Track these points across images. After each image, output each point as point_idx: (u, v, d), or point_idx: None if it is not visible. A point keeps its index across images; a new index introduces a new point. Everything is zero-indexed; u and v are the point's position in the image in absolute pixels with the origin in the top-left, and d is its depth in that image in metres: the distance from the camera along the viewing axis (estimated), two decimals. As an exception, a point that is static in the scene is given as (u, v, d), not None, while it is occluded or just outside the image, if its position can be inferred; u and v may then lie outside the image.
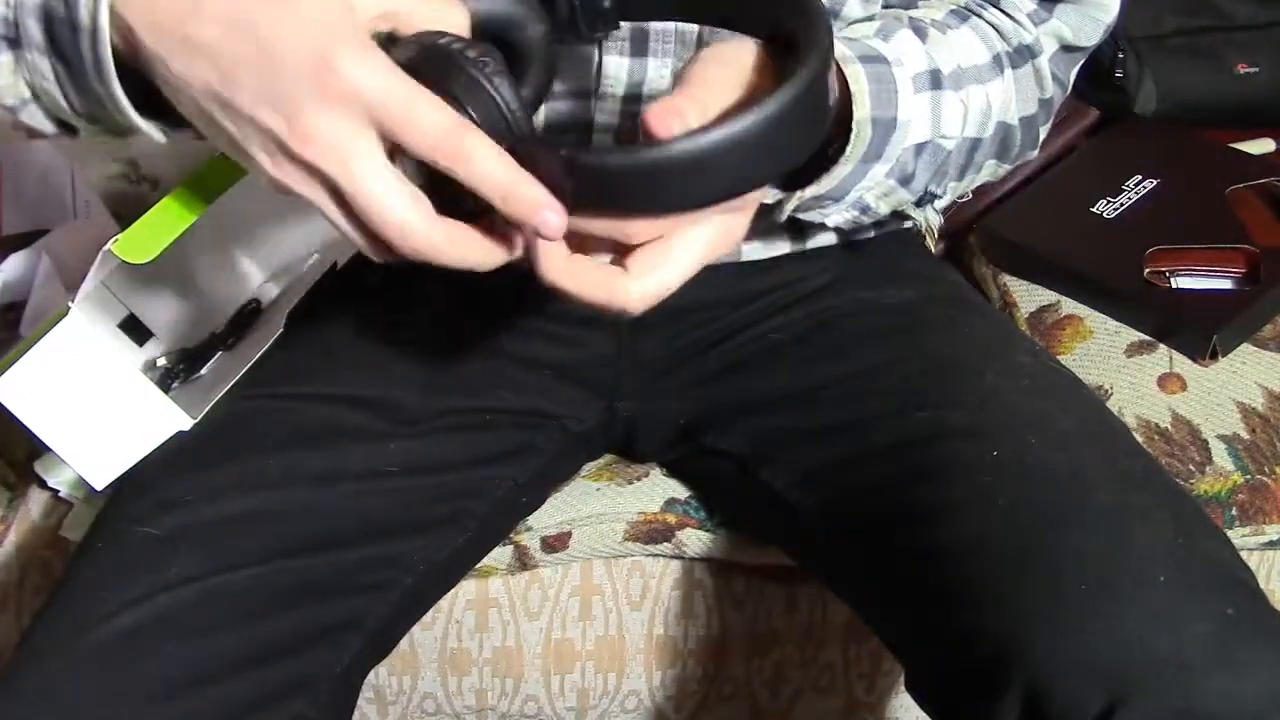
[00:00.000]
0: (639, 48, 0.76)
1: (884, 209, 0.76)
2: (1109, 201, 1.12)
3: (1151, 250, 1.06)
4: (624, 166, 0.57)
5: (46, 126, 0.67)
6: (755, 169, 0.59)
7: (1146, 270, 1.05)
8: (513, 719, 1.02)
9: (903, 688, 1.03)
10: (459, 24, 0.61)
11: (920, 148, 0.74)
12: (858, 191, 0.73)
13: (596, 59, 0.78)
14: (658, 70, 0.78)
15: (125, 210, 1.14)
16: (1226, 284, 1.06)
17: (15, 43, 0.62)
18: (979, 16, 0.79)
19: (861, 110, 0.69)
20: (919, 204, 0.79)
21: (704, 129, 0.56)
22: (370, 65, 0.56)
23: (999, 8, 0.79)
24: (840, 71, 0.69)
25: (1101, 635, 0.63)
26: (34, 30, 0.61)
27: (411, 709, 1.00)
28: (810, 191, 0.72)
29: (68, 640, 0.67)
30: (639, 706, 1.02)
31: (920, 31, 0.75)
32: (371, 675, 0.80)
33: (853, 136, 0.70)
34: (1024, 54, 0.79)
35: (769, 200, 0.75)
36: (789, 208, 0.74)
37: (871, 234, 0.92)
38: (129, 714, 0.65)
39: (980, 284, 1.13)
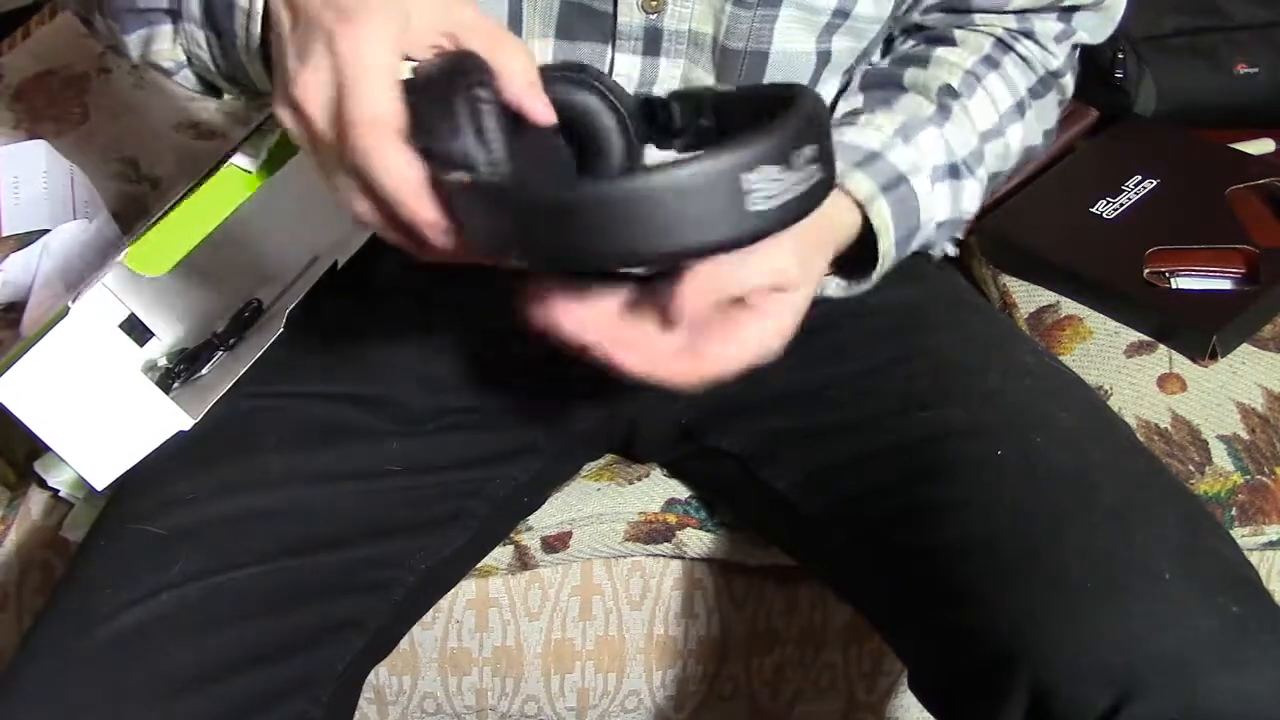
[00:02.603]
0: (651, 47, 0.77)
1: (870, 284, 0.82)
2: (1109, 202, 1.12)
3: (1151, 250, 1.06)
4: (557, 202, 0.55)
5: (198, 90, 0.76)
6: (679, 232, 0.54)
7: (1146, 270, 1.05)
8: (513, 719, 1.02)
9: (903, 688, 1.04)
10: (515, 64, 0.62)
11: (941, 224, 0.81)
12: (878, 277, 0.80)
13: (609, 57, 0.78)
14: (669, 70, 0.78)
15: (125, 210, 1.14)
16: (1226, 284, 1.06)
17: (176, 15, 0.70)
18: (1012, 50, 0.84)
19: (886, 242, 0.77)
20: (936, 246, 0.86)
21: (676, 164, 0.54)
22: (375, 39, 0.58)
23: (1031, 38, 0.84)
24: (860, 206, 0.76)
25: (1107, 633, 0.63)
26: (193, 6, 0.69)
27: (411, 709, 1.00)
28: (838, 294, 0.81)
29: (69, 640, 0.67)
30: (639, 706, 1.02)
31: (944, 110, 0.80)
32: (371, 675, 0.80)
33: (880, 262, 0.78)
34: (1047, 82, 0.86)
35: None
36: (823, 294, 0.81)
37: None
38: (130, 713, 0.65)
39: (980, 284, 1.13)
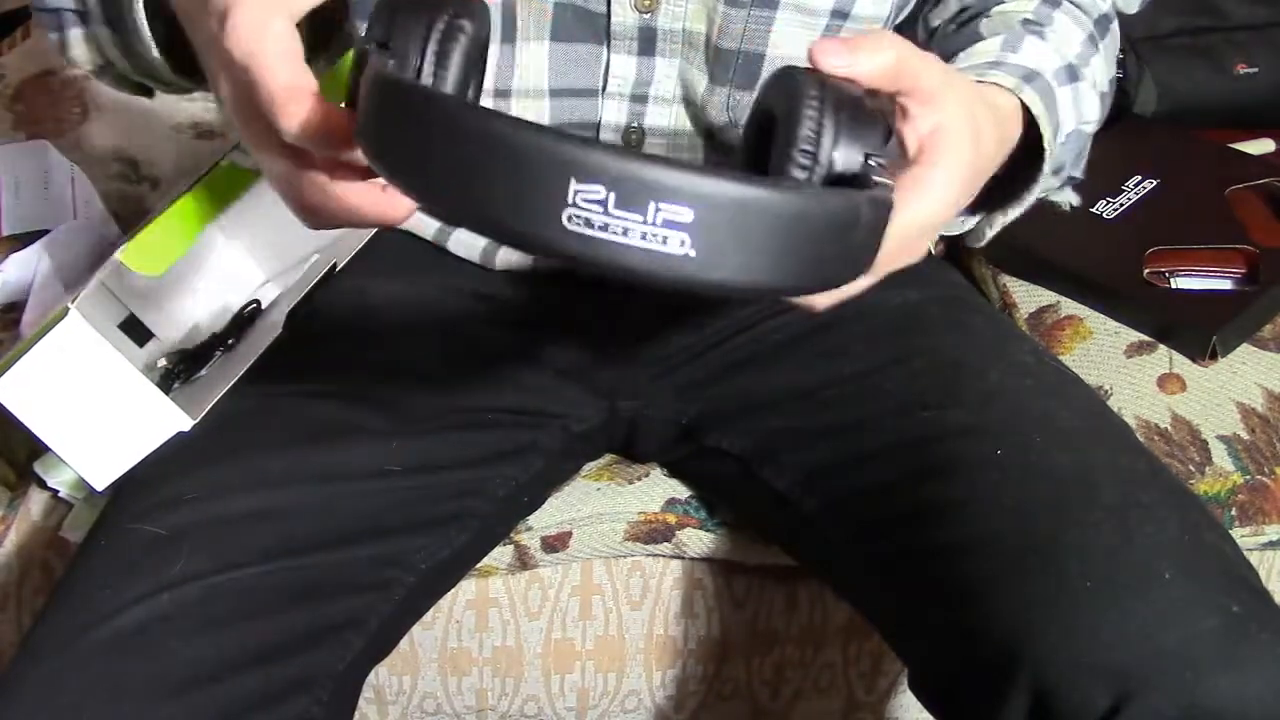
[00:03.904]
0: (646, 47, 0.77)
1: (1034, 197, 0.77)
2: (1109, 201, 1.12)
3: (1151, 250, 1.06)
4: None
5: (124, 90, 0.76)
6: None
7: (1146, 270, 1.05)
8: (513, 719, 1.02)
9: (903, 687, 1.04)
10: None
11: (1067, 136, 0.76)
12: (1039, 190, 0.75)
13: (605, 59, 0.78)
14: (665, 70, 0.78)
15: (125, 210, 1.14)
16: (1226, 284, 1.06)
17: (85, 16, 0.71)
18: None
19: (1048, 130, 0.71)
20: (1061, 186, 0.81)
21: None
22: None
23: None
24: (1020, 99, 0.70)
25: (1108, 632, 0.63)
26: (93, 2, 0.70)
27: (411, 709, 1.00)
28: (1013, 215, 0.76)
29: (70, 639, 0.67)
30: (639, 706, 1.02)
31: (1038, 34, 0.76)
32: (371, 675, 0.80)
33: (1046, 155, 0.72)
34: (1104, 23, 0.82)
35: (963, 229, 0.78)
36: (990, 233, 0.78)
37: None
38: (131, 713, 0.65)
39: (980, 284, 1.13)
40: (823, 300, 0.60)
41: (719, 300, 0.55)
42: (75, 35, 0.72)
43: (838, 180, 0.54)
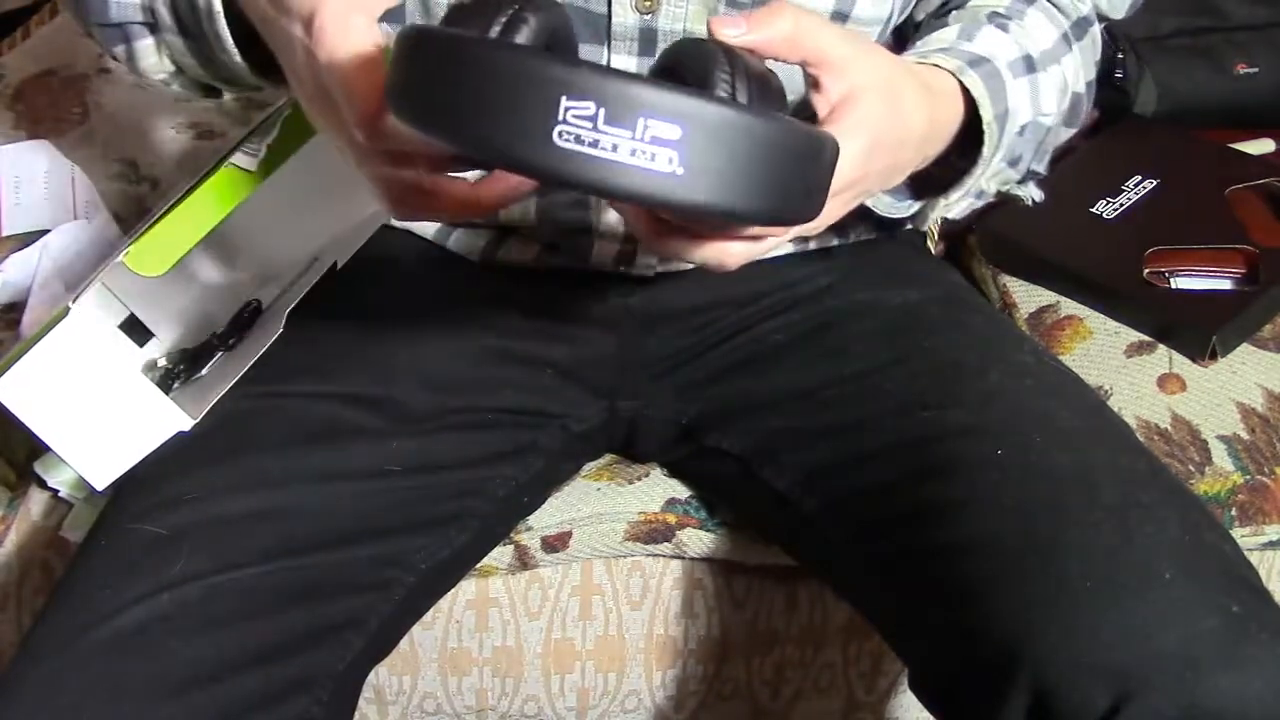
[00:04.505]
0: (647, 48, 0.77)
1: (993, 189, 0.79)
2: (1109, 202, 1.12)
3: (1151, 250, 1.06)
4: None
5: (194, 94, 0.78)
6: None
7: (1146, 270, 1.05)
8: (513, 719, 1.02)
9: (903, 687, 1.04)
10: None
11: (1024, 128, 0.76)
12: (980, 181, 0.76)
13: (605, 60, 0.78)
14: None
15: (125, 210, 1.14)
16: (1226, 284, 1.06)
17: (154, 27, 0.71)
18: None
19: (987, 112, 0.73)
20: (1022, 181, 0.82)
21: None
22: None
23: None
24: (959, 81, 0.72)
25: (1108, 632, 0.63)
26: (164, 14, 0.70)
27: (411, 709, 1.00)
28: (955, 196, 0.76)
29: (70, 639, 0.67)
30: (639, 706, 1.02)
31: (1002, 26, 0.77)
32: (371, 675, 0.80)
33: (986, 138, 0.73)
34: (1083, 25, 0.83)
35: (906, 212, 0.80)
36: (934, 215, 0.79)
37: (873, 235, 0.92)
38: (131, 713, 0.65)
39: (980, 284, 1.13)
40: (770, 240, 0.61)
41: (695, 222, 0.57)
42: (145, 46, 0.72)
43: None
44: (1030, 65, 0.77)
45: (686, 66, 0.57)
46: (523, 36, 0.55)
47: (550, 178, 0.49)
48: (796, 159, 0.52)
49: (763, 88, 0.56)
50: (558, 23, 0.58)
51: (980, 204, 0.80)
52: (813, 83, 0.62)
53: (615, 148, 0.48)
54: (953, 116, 0.72)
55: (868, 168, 0.63)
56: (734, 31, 0.58)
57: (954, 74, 0.72)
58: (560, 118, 0.48)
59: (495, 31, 0.55)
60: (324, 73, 0.59)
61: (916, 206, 0.80)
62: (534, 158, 0.49)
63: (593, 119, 0.48)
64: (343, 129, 0.60)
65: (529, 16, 0.55)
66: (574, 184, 0.49)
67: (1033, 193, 0.83)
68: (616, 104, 0.48)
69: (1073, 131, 0.86)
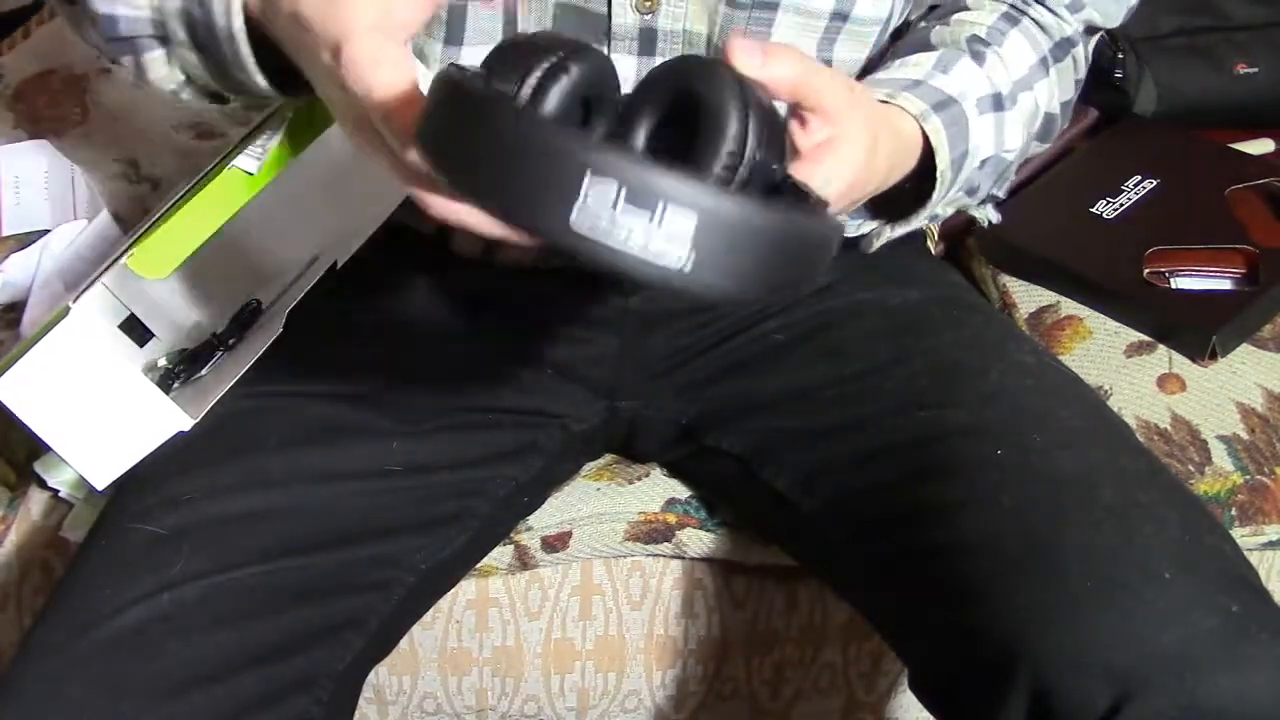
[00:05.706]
0: (647, 48, 0.77)
1: (949, 212, 0.82)
2: (1109, 202, 1.12)
3: (1151, 250, 1.06)
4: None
5: (204, 103, 0.77)
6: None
7: (1146, 270, 1.05)
8: (513, 719, 1.02)
9: (903, 687, 1.04)
10: None
11: (985, 162, 0.79)
12: (934, 209, 0.78)
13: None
14: None
15: (125, 210, 1.14)
16: (1226, 284, 1.06)
17: (165, 40, 0.70)
18: (1025, 15, 0.83)
19: (943, 160, 0.75)
20: (980, 204, 0.85)
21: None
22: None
23: (1042, 4, 0.83)
24: (920, 125, 0.74)
25: (1108, 632, 0.63)
26: (179, 31, 0.69)
27: (411, 709, 1.00)
28: (900, 231, 0.80)
29: (70, 639, 0.67)
30: (639, 706, 1.02)
31: (978, 56, 0.79)
32: (371, 675, 0.80)
33: (938, 184, 0.76)
34: (1064, 46, 0.84)
35: (855, 233, 0.83)
36: (878, 244, 0.82)
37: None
38: (131, 713, 0.65)
39: (980, 284, 1.13)
40: None
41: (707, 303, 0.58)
42: (155, 57, 0.71)
43: (760, 187, 0.57)
44: (998, 103, 0.79)
45: (703, 106, 0.57)
46: (559, 92, 0.56)
47: (567, 253, 0.50)
48: (807, 249, 0.53)
49: (773, 133, 0.57)
50: (596, 75, 0.58)
51: (933, 225, 0.83)
52: (799, 120, 0.63)
53: (630, 234, 0.48)
54: (911, 160, 0.75)
55: (836, 207, 0.65)
56: (751, 63, 0.59)
57: (918, 120, 0.74)
58: (581, 197, 0.48)
59: (531, 86, 0.56)
60: (361, 104, 0.58)
61: (867, 228, 0.83)
62: (552, 234, 0.49)
63: (613, 202, 0.48)
64: (387, 153, 0.60)
65: (569, 67, 0.56)
66: (589, 263, 0.50)
67: (990, 214, 0.87)
68: (637, 187, 0.48)
69: (1045, 147, 0.89)
